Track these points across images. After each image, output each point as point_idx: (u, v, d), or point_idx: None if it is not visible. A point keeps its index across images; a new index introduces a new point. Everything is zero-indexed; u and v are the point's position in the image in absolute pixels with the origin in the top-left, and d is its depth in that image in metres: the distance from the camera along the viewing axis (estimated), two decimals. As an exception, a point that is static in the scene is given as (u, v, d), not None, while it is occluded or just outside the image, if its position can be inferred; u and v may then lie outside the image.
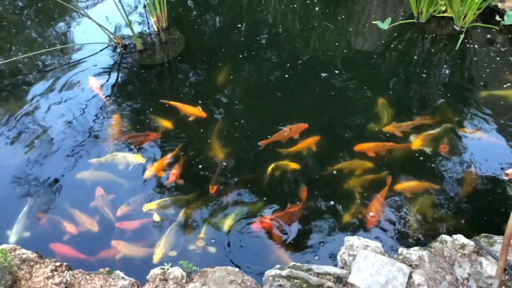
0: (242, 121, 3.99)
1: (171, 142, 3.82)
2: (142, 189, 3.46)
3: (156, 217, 3.25)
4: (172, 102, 4.11)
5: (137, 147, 3.77)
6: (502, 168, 3.55)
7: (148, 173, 3.52)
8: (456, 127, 3.93)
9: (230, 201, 3.37)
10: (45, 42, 5.05)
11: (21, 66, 4.65)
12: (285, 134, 3.82)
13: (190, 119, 3.99)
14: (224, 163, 3.62)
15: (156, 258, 2.96)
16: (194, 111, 4.03)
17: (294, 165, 3.54)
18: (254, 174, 3.57)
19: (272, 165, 3.57)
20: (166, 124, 3.95)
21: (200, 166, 3.62)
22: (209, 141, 3.80)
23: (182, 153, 3.70)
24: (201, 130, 3.90)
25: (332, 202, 3.34)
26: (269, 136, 3.81)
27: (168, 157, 3.65)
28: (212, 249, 3.05)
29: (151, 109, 4.11)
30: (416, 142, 3.70)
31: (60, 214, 3.26)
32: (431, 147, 3.70)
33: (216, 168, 3.57)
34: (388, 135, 3.82)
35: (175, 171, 3.54)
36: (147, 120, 4.00)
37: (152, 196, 3.41)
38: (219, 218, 3.24)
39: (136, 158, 3.63)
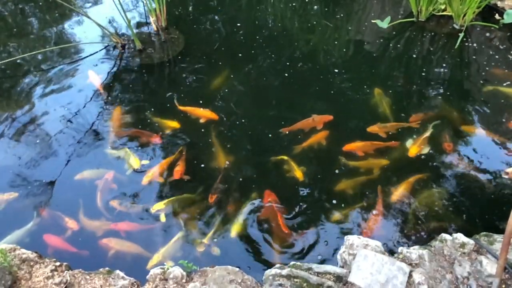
0: (243, 120, 3.98)
1: (172, 143, 3.80)
2: (144, 189, 3.44)
3: (162, 218, 3.23)
4: (184, 107, 4.08)
5: (138, 148, 3.76)
6: (502, 167, 3.55)
7: (146, 179, 3.46)
8: (456, 125, 3.93)
9: (234, 204, 3.33)
10: (45, 41, 5.04)
11: (20, 66, 4.65)
12: (309, 123, 3.85)
13: (192, 119, 3.97)
14: (228, 162, 3.60)
15: (151, 264, 2.94)
16: (205, 114, 3.99)
17: (299, 174, 3.49)
18: (257, 174, 3.56)
19: (284, 157, 3.58)
20: (168, 124, 3.93)
21: (202, 166, 3.60)
22: (210, 140, 3.80)
23: (184, 152, 3.68)
24: (202, 130, 3.89)
25: (334, 201, 3.33)
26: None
27: (167, 162, 3.60)
28: (216, 250, 3.04)
29: (152, 109, 4.10)
30: (413, 149, 3.65)
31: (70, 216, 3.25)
32: (428, 149, 3.67)
33: (217, 172, 3.53)
34: (390, 133, 3.83)
35: (179, 168, 3.51)
36: (148, 120, 3.99)
37: (154, 196, 3.40)
38: (225, 223, 3.20)
39: (135, 163, 3.59)
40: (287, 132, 3.84)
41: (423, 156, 3.63)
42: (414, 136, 3.78)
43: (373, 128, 3.82)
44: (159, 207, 3.28)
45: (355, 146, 3.67)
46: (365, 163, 3.58)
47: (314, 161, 3.64)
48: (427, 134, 3.77)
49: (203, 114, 4.00)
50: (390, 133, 3.82)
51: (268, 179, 3.52)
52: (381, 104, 4.08)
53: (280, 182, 3.49)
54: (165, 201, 3.32)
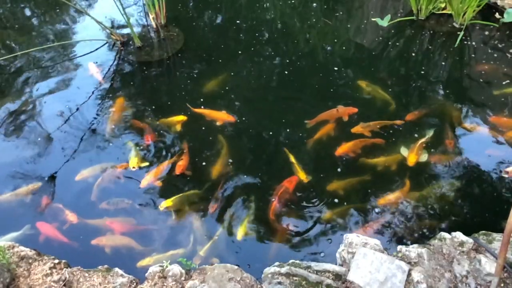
0: (244, 118, 3.96)
1: (172, 142, 3.79)
2: (146, 188, 3.43)
3: (172, 216, 3.22)
4: (198, 110, 4.02)
5: (138, 145, 3.74)
6: (501, 165, 3.55)
7: (145, 182, 3.41)
8: (455, 123, 3.93)
9: (236, 208, 3.31)
10: (44, 38, 5.03)
11: (20, 62, 4.64)
12: (333, 114, 3.88)
13: (193, 117, 3.95)
14: (230, 160, 3.60)
15: (140, 264, 2.93)
16: (222, 116, 3.94)
17: (303, 176, 3.46)
18: (259, 173, 3.55)
19: (292, 158, 3.57)
20: (168, 122, 3.92)
21: (204, 164, 3.59)
22: (211, 138, 3.78)
23: (186, 150, 3.66)
24: (203, 128, 3.88)
25: (336, 200, 3.33)
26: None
27: (165, 165, 3.56)
28: (216, 261, 2.99)
29: (154, 107, 4.09)
30: (411, 157, 3.57)
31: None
32: (427, 156, 3.61)
33: (218, 177, 3.49)
34: (391, 132, 3.83)
35: (181, 163, 3.49)
36: (150, 118, 3.98)
37: (158, 194, 3.39)
38: (227, 226, 3.19)
39: (133, 162, 3.55)
40: (312, 124, 3.86)
41: (424, 150, 3.63)
42: (416, 135, 3.78)
43: (357, 129, 3.81)
44: (167, 204, 3.25)
45: (347, 147, 3.65)
46: (383, 160, 3.58)
47: (316, 160, 3.65)
48: (423, 139, 3.71)
49: (219, 116, 3.95)
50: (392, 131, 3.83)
51: (270, 177, 3.51)
52: (377, 93, 4.10)
53: (283, 179, 3.46)
54: (173, 198, 3.30)
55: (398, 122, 3.89)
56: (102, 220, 3.20)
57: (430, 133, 3.78)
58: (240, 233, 3.10)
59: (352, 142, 3.68)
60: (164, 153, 3.71)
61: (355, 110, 3.94)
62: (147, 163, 3.58)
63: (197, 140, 3.79)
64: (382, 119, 3.90)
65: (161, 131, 3.86)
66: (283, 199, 3.28)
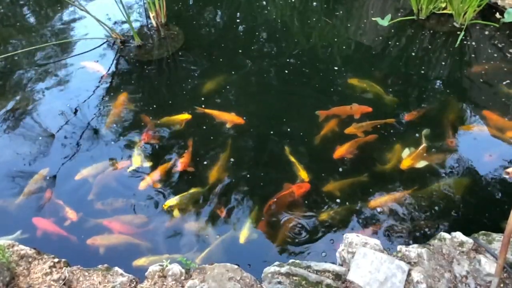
0: (244, 118, 3.95)
1: (174, 141, 3.79)
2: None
3: (176, 213, 3.21)
4: (207, 110, 4.00)
5: (138, 141, 3.74)
6: (502, 166, 3.55)
7: (144, 184, 3.39)
8: (455, 123, 3.92)
9: (238, 209, 3.30)
10: (44, 36, 5.02)
11: (19, 61, 4.63)
12: (346, 111, 3.90)
13: (193, 117, 3.93)
14: (232, 159, 3.60)
15: (136, 263, 2.92)
16: (231, 118, 3.91)
17: (304, 175, 3.45)
18: (259, 174, 3.55)
19: (292, 158, 3.57)
20: (171, 120, 3.91)
21: (205, 162, 3.59)
22: (211, 138, 3.77)
23: (189, 147, 3.65)
24: (204, 127, 3.88)
25: (338, 200, 3.33)
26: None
27: (166, 167, 3.54)
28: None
29: (154, 106, 4.09)
30: (406, 161, 3.55)
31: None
32: (426, 162, 3.59)
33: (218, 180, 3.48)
34: (394, 131, 3.82)
35: (184, 160, 3.48)
36: (150, 117, 3.97)
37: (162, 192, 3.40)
38: (229, 229, 3.18)
39: (136, 161, 3.54)
40: (323, 116, 3.89)
41: (424, 155, 3.63)
42: (417, 134, 3.77)
43: (350, 130, 3.80)
44: (171, 203, 3.24)
45: (344, 149, 3.64)
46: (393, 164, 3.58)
47: (317, 159, 3.65)
48: (424, 144, 3.67)
49: (229, 118, 3.91)
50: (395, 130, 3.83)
51: (273, 177, 3.51)
52: (373, 88, 4.14)
53: (283, 181, 3.45)
54: (176, 197, 3.29)
55: (390, 120, 3.89)
56: (103, 219, 3.19)
57: (430, 134, 3.77)
58: (242, 236, 3.09)
59: (347, 144, 3.67)
60: (167, 152, 3.70)
61: (369, 109, 3.92)
62: (150, 163, 3.57)
63: (201, 138, 3.79)
64: (381, 118, 3.89)
65: (164, 130, 3.85)
66: (284, 202, 3.27)
